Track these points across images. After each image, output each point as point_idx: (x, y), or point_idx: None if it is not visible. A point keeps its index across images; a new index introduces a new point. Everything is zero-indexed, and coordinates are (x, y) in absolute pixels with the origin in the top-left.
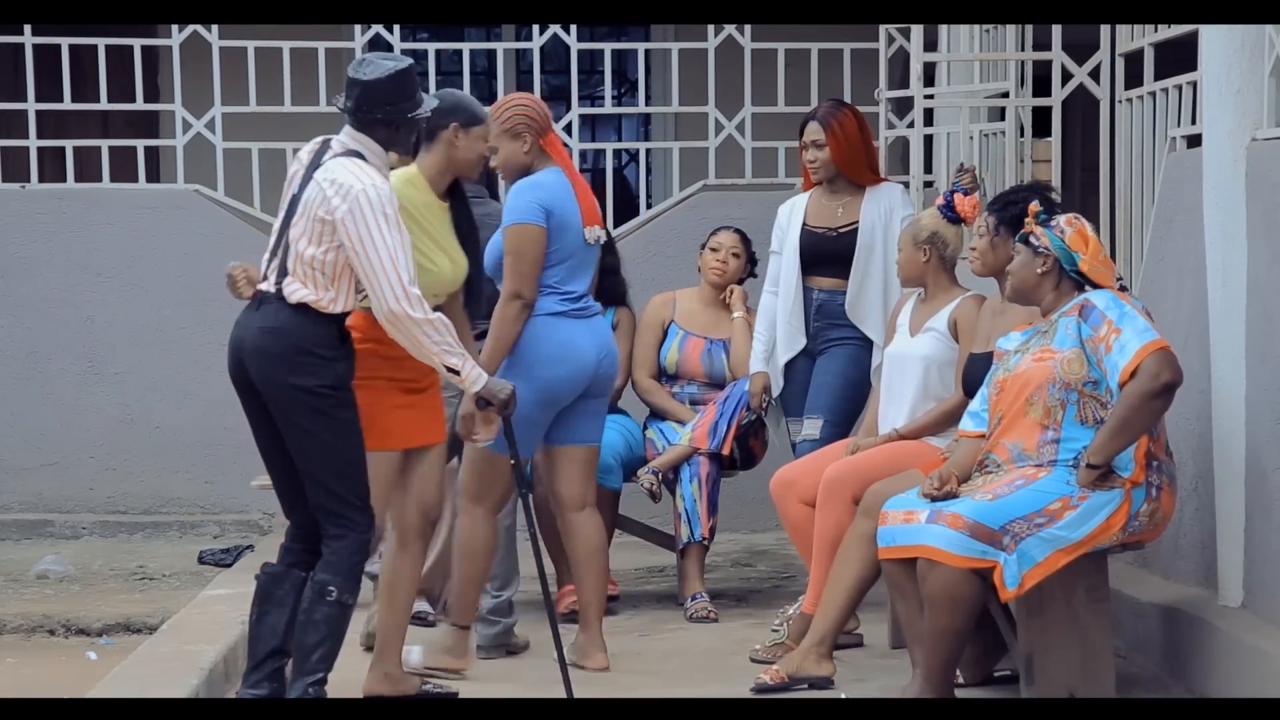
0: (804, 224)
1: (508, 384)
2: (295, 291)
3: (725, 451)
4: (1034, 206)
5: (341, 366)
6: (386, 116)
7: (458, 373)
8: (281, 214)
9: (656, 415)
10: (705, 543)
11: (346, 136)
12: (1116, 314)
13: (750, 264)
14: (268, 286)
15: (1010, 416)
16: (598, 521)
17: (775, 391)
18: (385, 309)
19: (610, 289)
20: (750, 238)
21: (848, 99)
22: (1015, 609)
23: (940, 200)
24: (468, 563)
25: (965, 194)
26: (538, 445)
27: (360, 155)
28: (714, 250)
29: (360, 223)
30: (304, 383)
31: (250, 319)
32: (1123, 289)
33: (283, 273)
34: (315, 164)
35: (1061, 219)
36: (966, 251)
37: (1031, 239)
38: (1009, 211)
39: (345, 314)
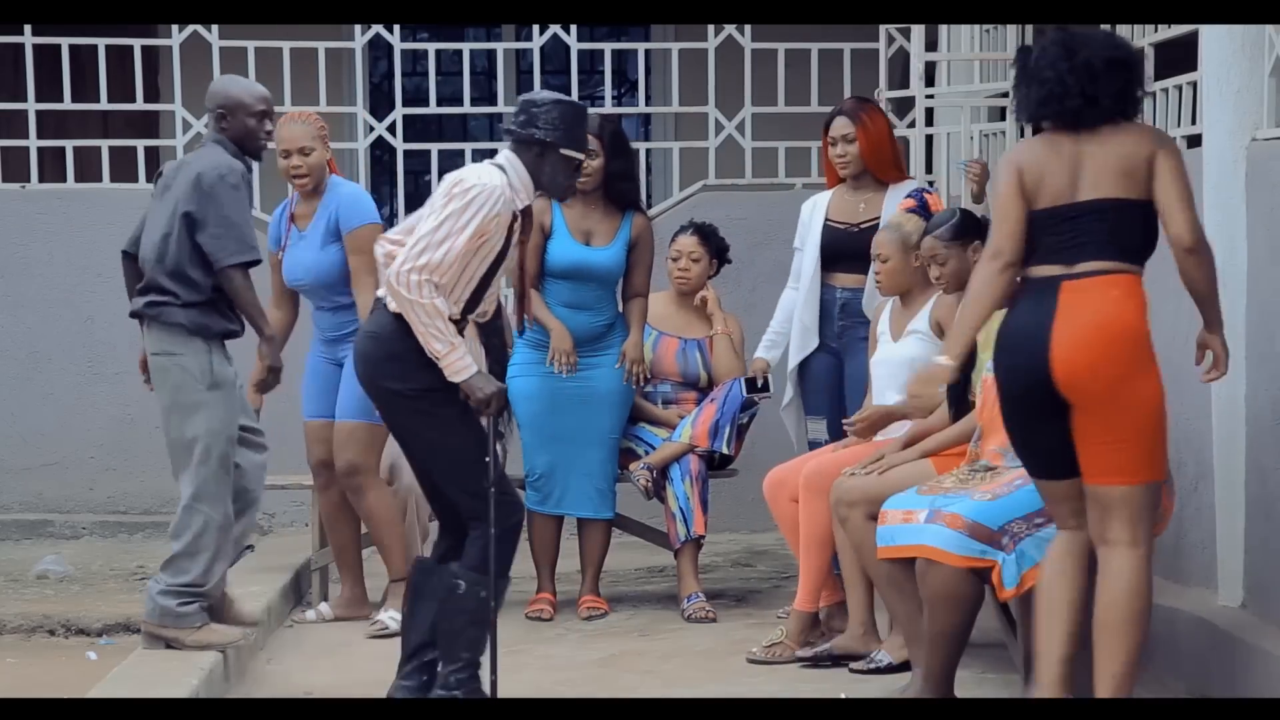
0: (826, 220)
1: (492, 385)
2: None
3: (734, 454)
4: None
5: (439, 369)
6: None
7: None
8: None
9: (629, 419)
10: (700, 540)
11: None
12: None
13: (716, 259)
14: (381, 293)
15: (992, 422)
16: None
17: (773, 387)
18: (393, 270)
19: (620, 194)
20: (714, 230)
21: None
22: (1015, 609)
23: (912, 203)
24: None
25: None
26: None
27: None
28: (673, 259)
29: (443, 198)
30: (396, 386)
31: (364, 323)
32: None
33: None
34: None
35: None
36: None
37: None
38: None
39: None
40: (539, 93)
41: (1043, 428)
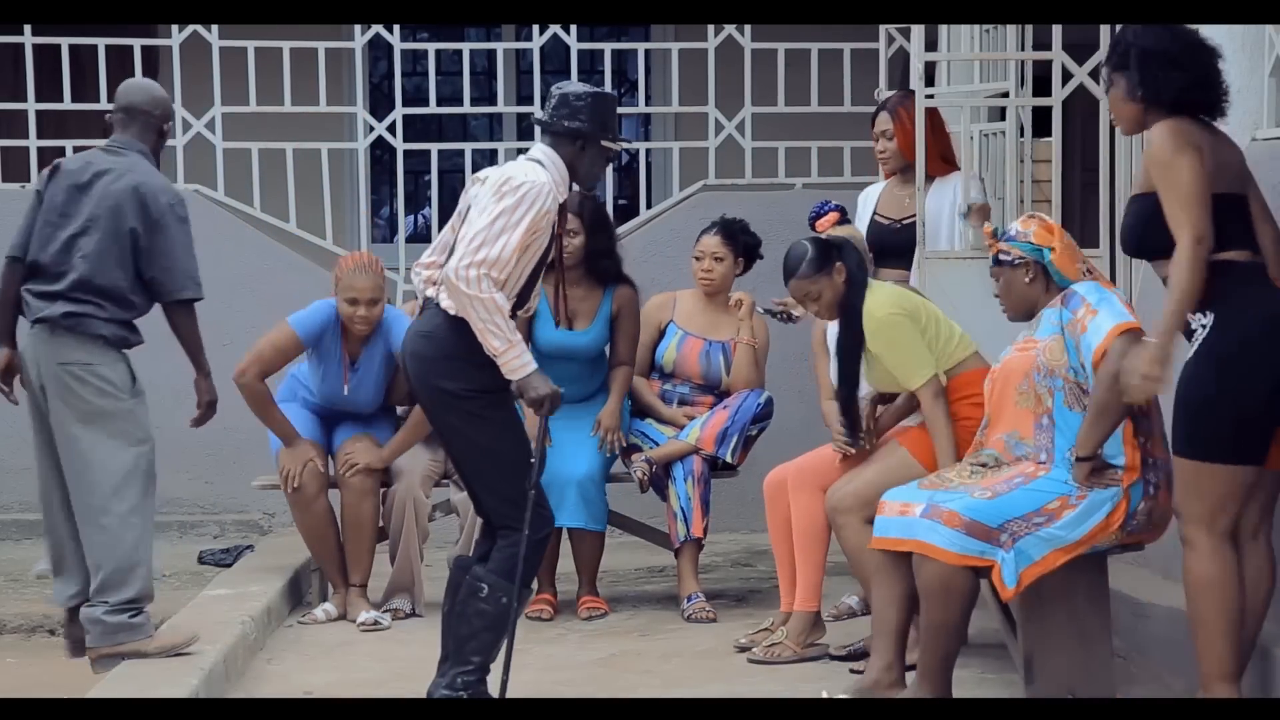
0: (874, 214)
1: (548, 385)
2: (447, 301)
3: (738, 463)
4: (988, 228)
5: (493, 371)
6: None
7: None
8: (450, 227)
9: (638, 413)
10: (700, 541)
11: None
12: (1096, 298)
13: (745, 256)
14: (433, 292)
15: (999, 411)
16: None
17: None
18: (451, 267)
19: (602, 271)
20: (743, 226)
21: (847, 99)
22: (1015, 609)
23: (836, 216)
24: None
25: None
26: None
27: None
28: (697, 259)
29: (494, 196)
30: (449, 386)
31: (414, 324)
32: (1088, 272)
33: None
34: None
35: (1016, 224)
36: None
37: (1002, 257)
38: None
39: None
40: (572, 84)
41: None
